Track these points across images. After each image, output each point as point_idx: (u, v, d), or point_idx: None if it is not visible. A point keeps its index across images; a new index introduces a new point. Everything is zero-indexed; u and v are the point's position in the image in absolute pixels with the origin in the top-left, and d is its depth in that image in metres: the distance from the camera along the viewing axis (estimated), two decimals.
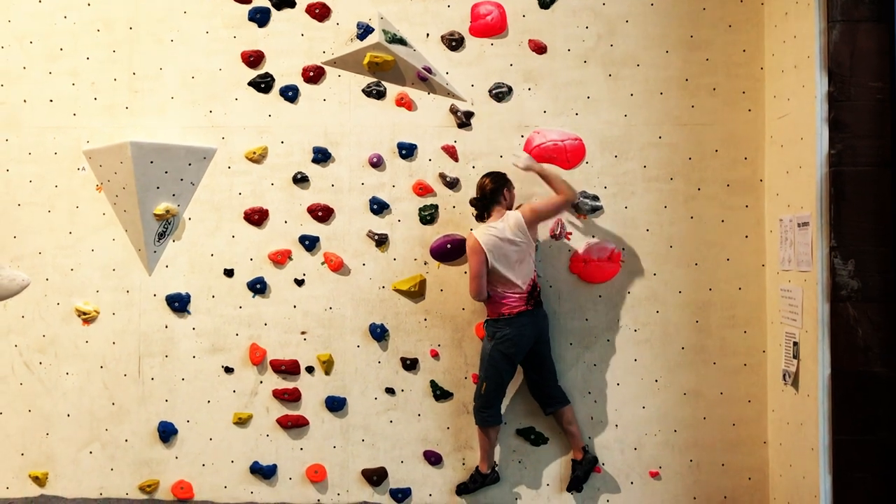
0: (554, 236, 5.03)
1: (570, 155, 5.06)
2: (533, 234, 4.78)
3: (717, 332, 4.99)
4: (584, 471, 4.92)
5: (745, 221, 4.98)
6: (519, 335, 4.70)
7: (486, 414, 4.83)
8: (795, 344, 4.44)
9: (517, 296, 4.70)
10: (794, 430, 4.51)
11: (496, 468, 4.97)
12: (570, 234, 5.05)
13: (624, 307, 5.04)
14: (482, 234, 4.69)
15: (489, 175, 4.80)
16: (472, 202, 4.83)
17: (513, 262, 4.68)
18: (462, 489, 5.01)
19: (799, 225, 4.41)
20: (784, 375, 4.58)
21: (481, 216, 4.82)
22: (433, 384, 5.09)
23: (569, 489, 4.96)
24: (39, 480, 5.19)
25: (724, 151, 5.00)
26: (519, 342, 4.70)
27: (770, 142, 4.89)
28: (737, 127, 4.99)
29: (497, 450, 5.01)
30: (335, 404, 5.11)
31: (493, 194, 4.76)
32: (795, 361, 4.43)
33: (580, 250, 5.04)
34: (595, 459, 4.95)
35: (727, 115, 5.00)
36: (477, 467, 4.98)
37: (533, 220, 4.75)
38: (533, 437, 5.03)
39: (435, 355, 5.10)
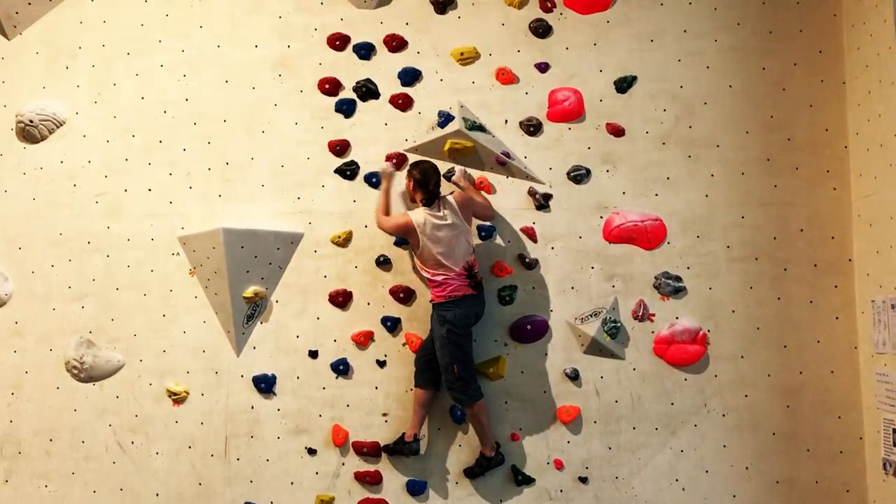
0: (637, 318, 4.99)
1: (651, 235, 5.05)
2: (466, 217, 4.88)
3: (810, 417, 4.82)
4: (486, 468, 4.92)
5: (834, 302, 4.86)
6: (468, 314, 4.83)
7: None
8: (895, 431, 4.25)
9: (457, 278, 4.78)
10: None
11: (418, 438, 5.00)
12: (654, 315, 5.00)
13: (711, 391, 4.92)
14: (417, 214, 4.86)
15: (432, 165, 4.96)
16: (425, 187, 4.87)
17: (445, 244, 4.77)
18: (387, 451, 5.08)
19: (893, 306, 4.28)
20: (884, 464, 4.38)
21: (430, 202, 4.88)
22: (514, 469, 5.02)
23: (466, 473, 4.98)
24: None
25: (810, 231, 4.92)
26: (468, 318, 4.84)
27: (858, 221, 4.79)
28: (822, 206, 4.92)
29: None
30: (416, 488, 5.08)
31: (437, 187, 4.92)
32: None
33: (664, 332, 4.98)
34: (502, 461, 4.92)
35: (812, 195, 4.94)
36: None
37: (464, 204, 4.90)
38: None
39: (516, 439, 5.04)
